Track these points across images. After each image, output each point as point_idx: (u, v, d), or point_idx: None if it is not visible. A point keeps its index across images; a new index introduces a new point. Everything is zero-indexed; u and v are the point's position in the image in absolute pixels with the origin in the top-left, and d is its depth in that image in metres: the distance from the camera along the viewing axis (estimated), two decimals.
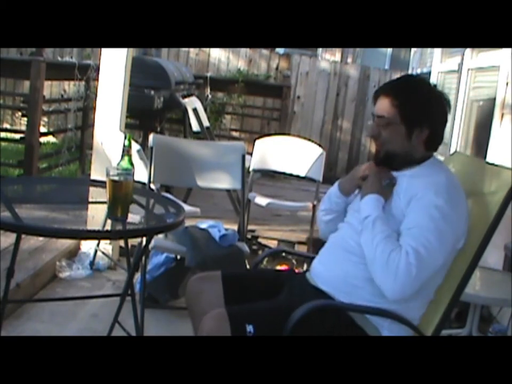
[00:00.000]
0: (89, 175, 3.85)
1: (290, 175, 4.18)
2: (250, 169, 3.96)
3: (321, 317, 1.73)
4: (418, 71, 6.63)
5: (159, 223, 2.24)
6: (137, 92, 4.57)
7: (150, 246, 2.87)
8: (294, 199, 4.68)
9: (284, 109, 7.04)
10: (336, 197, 2.04)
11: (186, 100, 5.50)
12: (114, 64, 3.60)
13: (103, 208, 2.09)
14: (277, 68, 7.97)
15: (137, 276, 3.11)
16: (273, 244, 4.31)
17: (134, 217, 2.11)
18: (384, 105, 1.87)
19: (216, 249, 3.04)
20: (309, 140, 4.42)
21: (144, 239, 2.50)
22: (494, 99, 3.78)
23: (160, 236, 3.03)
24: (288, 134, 5.82)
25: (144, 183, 3.02)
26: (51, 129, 6.90)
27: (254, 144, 4.12)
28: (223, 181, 3.27)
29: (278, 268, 3.82)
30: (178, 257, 3.19)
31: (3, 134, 5.95)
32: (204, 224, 3.24)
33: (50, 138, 7.01)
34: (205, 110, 6.10)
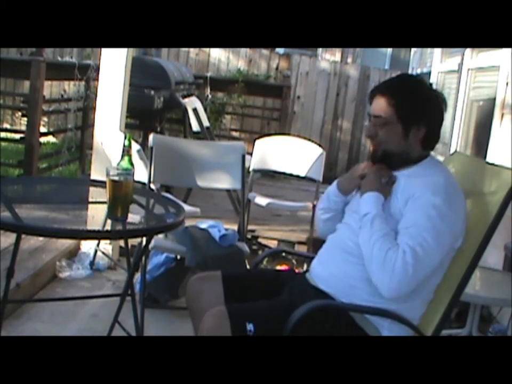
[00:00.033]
0: (89, 175, 3.85)
1: (290, 175, 4.18)
2: (250, 169, 3.96)
3: (321, 316, 1.73)
4: (418, 71, 6.63)
5: (159, 223, 2.24)
6: (137, 92, 4.57)
7: (150, 246, 2.87)
8: (294, 199, 4.67)
9: (284, 109, 7.04)
10: (334, 196, 2.04)
11: (186, 100, 5.50)
12: (114, 64, 3.60)
13: (103, 208, 2.09)
14: (277, 68, 7.97)
15: (137, 276, 3.11)
16: (273, 244, 4.31)
17: (134, 217, 2.11)
18: (380, 105, 1.86)
19: (216, 249, 3.04)
20: (309, 140, 4.42)
21: (144, 239, 2.50)
22: (494, 99, 3.77)
23: (160, 236, 3.03)
24: (288, 134, 5.82)
25: (144, 183, 3.02)
26: (51, 129, 6.89)
27: (254, 144, 4.12)
28: (223, 181, 3.27)
29: (278, 268, 3.82)
30: (178, 257, 3.19)
31: (3, 134, 5.95)
32: (204, 224, 3.24)
33: (50, 138, 7.01)
34: (205, 110, 6.10)
